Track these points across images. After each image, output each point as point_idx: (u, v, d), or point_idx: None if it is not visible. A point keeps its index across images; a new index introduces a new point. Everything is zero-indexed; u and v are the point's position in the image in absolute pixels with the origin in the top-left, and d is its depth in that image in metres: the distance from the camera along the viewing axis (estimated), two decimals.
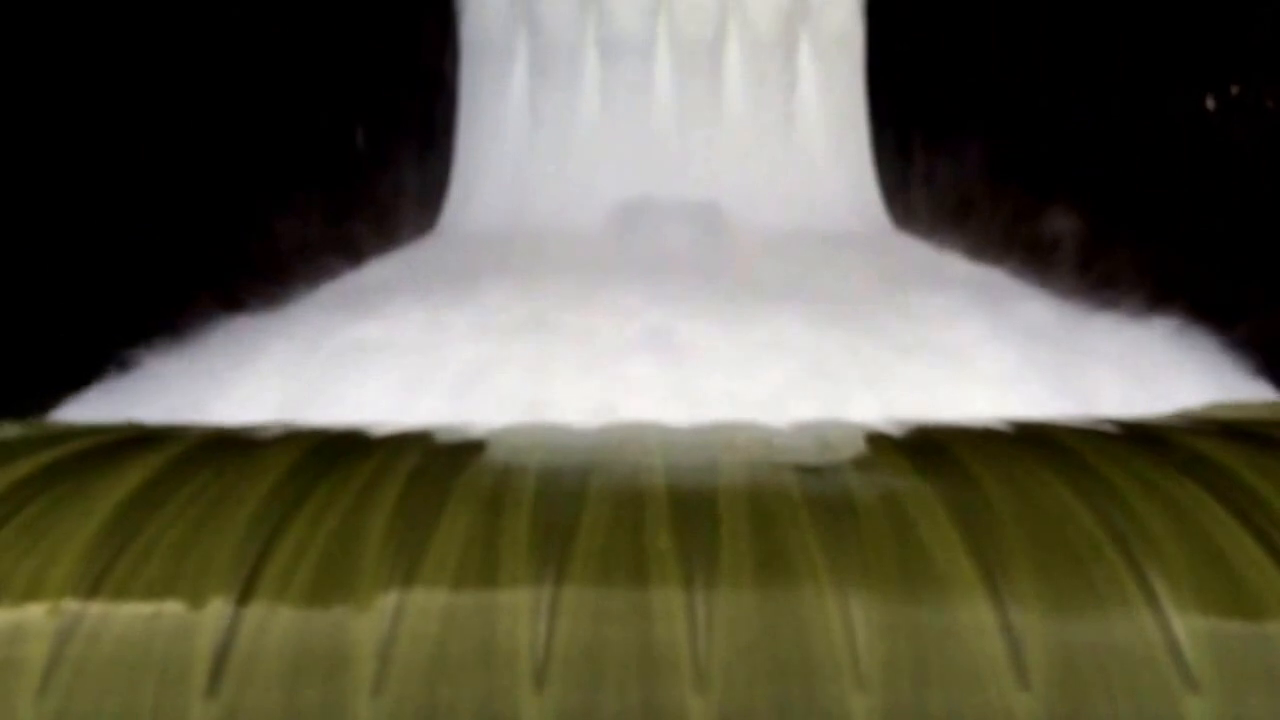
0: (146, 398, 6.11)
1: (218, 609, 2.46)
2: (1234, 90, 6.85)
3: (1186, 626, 2.41)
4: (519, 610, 2.46)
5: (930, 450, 3.18)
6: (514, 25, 17.30)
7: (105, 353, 6.48)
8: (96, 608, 2.48)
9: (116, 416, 4.78)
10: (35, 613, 2.47)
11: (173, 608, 2.48)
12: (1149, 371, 6.47)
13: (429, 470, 2.96)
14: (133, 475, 2.89)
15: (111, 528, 2.66)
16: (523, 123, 17.08)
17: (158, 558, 2.57)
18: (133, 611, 2.47)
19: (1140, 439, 3.31)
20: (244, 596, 2.48)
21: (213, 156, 7.94)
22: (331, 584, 2.51)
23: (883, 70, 16.20)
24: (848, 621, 2.44)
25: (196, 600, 2.48)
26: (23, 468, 2.98)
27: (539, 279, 9.59)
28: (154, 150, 7.10)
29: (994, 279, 10.30)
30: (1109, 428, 3.45)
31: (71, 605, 2.48)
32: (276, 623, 2.44)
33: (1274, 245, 6.53)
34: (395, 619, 2.45)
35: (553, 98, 17.06)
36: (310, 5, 13.57)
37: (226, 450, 3.15)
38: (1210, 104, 7.12)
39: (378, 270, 11.35)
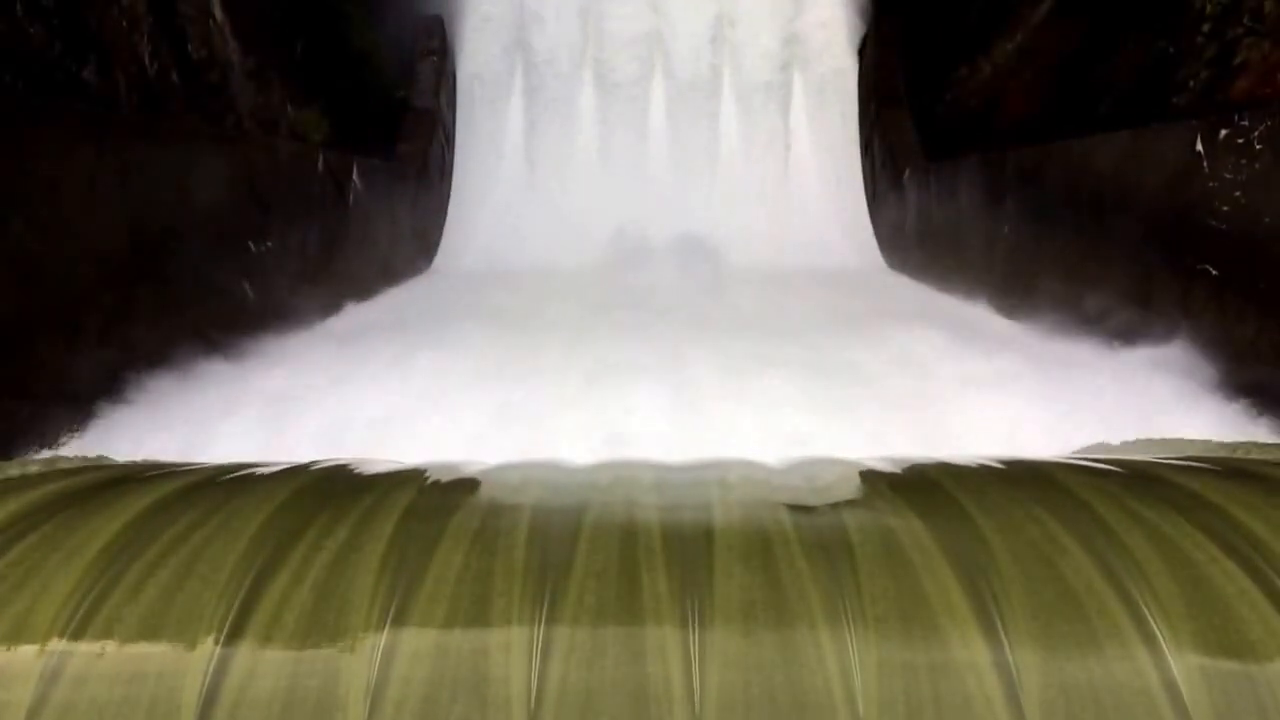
0: (136, 434, 6.12)
1: (206, 650, 2.43)
2: (1223, 132, 6.92)
3: (1183, 665, 2.39)
4: (512, 650, 2.44)
5: (924, 488, 3.17)
6: (510, 68, 17.51)
7: (96, 390, 6.51)
8: (84, 649, 2.44)
9: (108, 453, 4.79)
10: (22, 654, 2.43)
11: (161, 649, 2.44)
12: (1139, 407, 6.49)
13: (422, 508, 2.94)
14: (121, 515, 2.86)
15: (99, 568, 2.63)
16: (518, 163, 17.26)
17: (145, 598, 2.54)
18: (120, 653, 2.44)
19: (1134, 476, 3.30)
20: (233, 637, 2.45)
21: (203, 199, 8.00)
22: (321, 624, 2.49)
23: (876, 111, 16.37)
24: (844, 660, 2.42)
25: (185, 641, 2.45)
26: (11, 507, 2.95)
27: (530, 318, 9.65)
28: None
29: (985, 318, 10.36)
30: (1102, 465, 3.45)
31: (58, 647, 2.45)
32: (266, 664, 2.41)
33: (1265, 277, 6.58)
34: (386, 660, 2.42)
35: (548, 139, 17.24)
36: (308, 49, 13.78)
37: (215, 490, 3.13)
38: (1199, 146, 7.18)
39: (376, 307, 11.43)
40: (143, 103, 8.58)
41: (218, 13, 10.93)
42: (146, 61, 8.81)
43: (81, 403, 6.39)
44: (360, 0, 15.30)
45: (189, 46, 9.86)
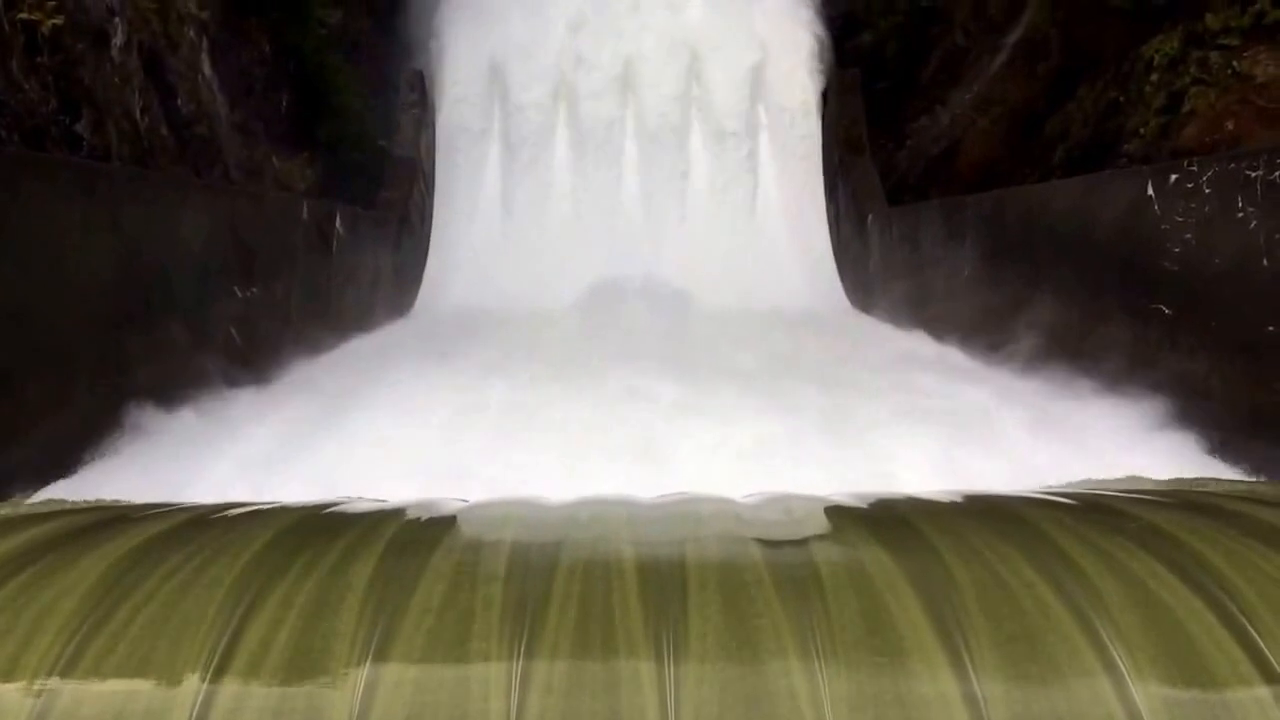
0: (124, 476, 6.11)
1: (192, 686, 2.46)
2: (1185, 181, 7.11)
3: (1145, 695, 2.45)
4: (491, 683, 2.48)
5: (891, 522, 3.24)
6: (488, 116, 17.73)
7: (85, 433, 6.52)
8: (72, 686, 2.48)
9: (93, 496, 4.79)
10: (11, 692, 2.46)
11: (148, 685, 2.48)
12: (1097, 443, 6.60)
13: (402, 545, 2.99)
14: (108, 555, 2.89)
15: (88, 607, 2.66)
16: (495, 209, 17.45)
17: (133, 636, 2.57)
18: (108, 689, 2.47)
19: (1095, 510, 3.39)
20: (218, 673, 2.49)
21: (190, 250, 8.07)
22: (305, 659, 2.52)
23: (839, 159, 16.62)
24: (815, 693, 2.47)
25: (171, 677, 2.48)
26: (1, 547, 2.97)
27: (507, 360, 9.70)
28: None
29: (946, 355, 10.50)
30: (1063, 499, 3.53)
31: (48, 684, 2.48)
32: (251, 700, 2.45)
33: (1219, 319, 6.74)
34: (368, 694, 2.46)
35: (524, 185, 17.45)
36: (293, 102, 13.94)
37: (201, 529, 3.16)
38: (1150, 191, 7.37)
39: (356, 349, 11.47)
40: (134, 155, 8.67)
41: (206, 69, 11.06)
42: (138, 115, 8.91)
43: (71, 445, 6.39)
44: (344, 55, 15.51)
45: (178, 101, 10.00)
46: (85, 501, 4.14)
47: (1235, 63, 8.41)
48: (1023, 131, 12.35)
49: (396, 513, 3.28)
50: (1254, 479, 6.19)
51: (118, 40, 8.86)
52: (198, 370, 7.94)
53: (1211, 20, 8.64)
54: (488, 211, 17.28)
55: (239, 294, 9.08)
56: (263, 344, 9.39)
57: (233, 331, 8.88)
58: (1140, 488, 4.00)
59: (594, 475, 5.61)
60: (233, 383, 8.29)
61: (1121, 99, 9.88)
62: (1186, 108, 8.72)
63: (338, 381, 9.03)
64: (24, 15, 7.32)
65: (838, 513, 3.39)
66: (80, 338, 6.63)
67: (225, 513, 3.35)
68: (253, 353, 9.09)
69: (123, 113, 8.64)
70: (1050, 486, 4.45)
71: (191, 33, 10.76)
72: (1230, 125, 8.30)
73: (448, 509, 3.38)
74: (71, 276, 6.55)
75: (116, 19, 8.86)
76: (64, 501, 4.04)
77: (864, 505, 3.45)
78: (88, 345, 6.71)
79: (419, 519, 3.26)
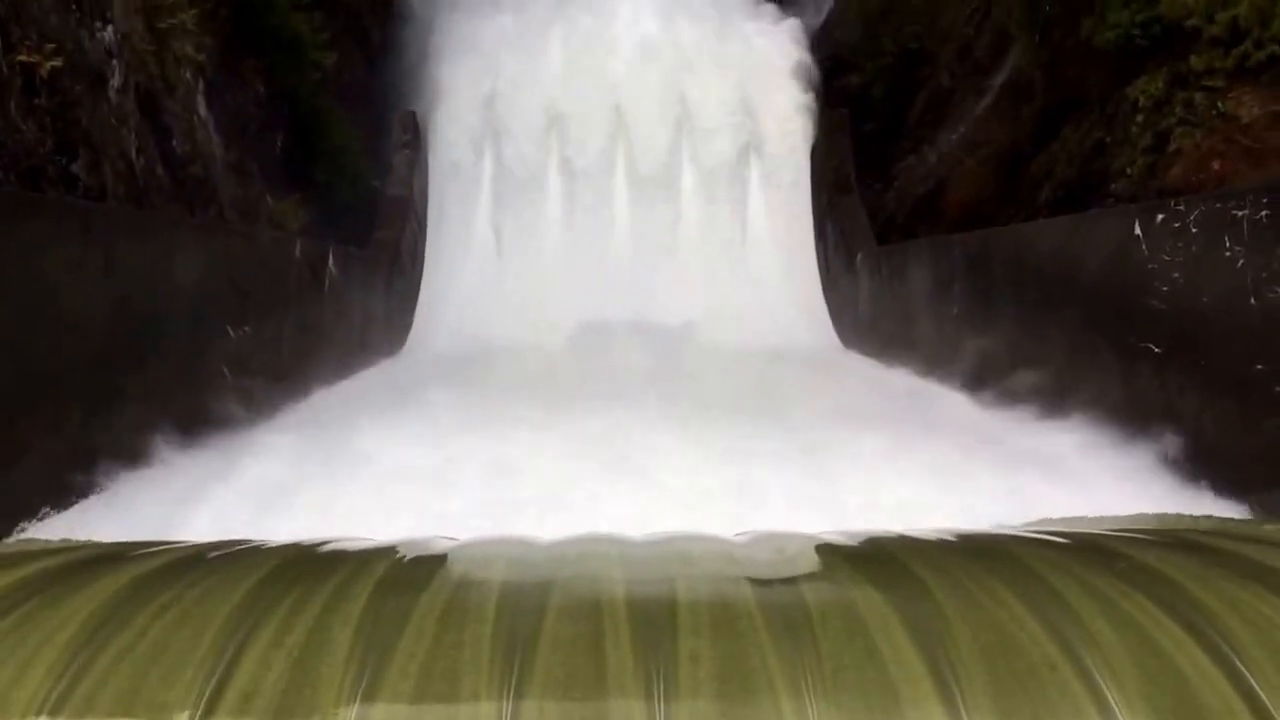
0: (115, 514, 6.10)
1: None
2: (1160, 215, 7.17)
3: None
4: None
5: (883, 561, 3.24)
6: (480, 157, 17.86)
7: (76, 472, 6.52)
8: None
9: (82, 533, 4.77)
10: None
11: None
12: (1088, 482, 6.61)
13: (392, 585, 2.98)
14: (98, 595, 2.88)
15: (76, 647, 2.65)
16: (487, 249, 17.54)
17: (122, 676, 2.56)
18: None
19: (1087, 549, 3.39)
20: (208, 713, 2.47)
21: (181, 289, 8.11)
22: (294, 700, 2.51)
23: (828, 198, 16.74)
24: None
25: (161, 717, 2.46)
26: None
27: (495, 401, 9.71)
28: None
29: (936, 393, 10.53)
30: (1055, 538, 3.53)
31: None
32: None
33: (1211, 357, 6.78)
34: None
35: (516, 225, 17.56)
36: (288, 143, 14.07)
37: (190, 569, 3.15)
38: (1137, 230, 7.43)
39: (347, 388, 11.48)
40: (129, 194, 8.71)
41: (202, 110, 11.15)
42: (133, 155, 8.97)
43: (62, 484, 6.38)
44: (338, 96, 15.66)
45: (174, 141, 10.07)
46: (74, 540, 4.12)
47: (1220, 103, 8.51)
48: (1009, 171, 12.46)
49: (386, 551, 3.28)
50: (1246, 518, 6.20)
51: (115, 82, 8.92)
52: (189, 409, 7.94)
53: (1196, 62, 8.74)
54: (480, 251, 17.38)
55: (231, 333, 9.09)
56: (254, 382, 9.38)
57: (225, 370, 8.88)
58: (1132, 526, 4.00)
59: (583, 514, 5.61)
60: (224, 421, 8.29)
61: (1107, 139, 9.98)
62: (1172, 148, 8.81)
63: (328, 421, 9.02)
64: (22, 58, 7.37)
65: (829, 551, 3.39)
66: (72, 375, 6.63)
67: (215, 551, 3.34)
68: (244, 391, 9.09)
69: (119, 153, 8.69)
70: (1042, 525, 4.45)
71: (188, 74, 10.85)
72: (1216, 165, 8.38)
73: (437, 548, 3.37)
74: (65, 314, 6.56)
75: (114, 61, 8.93)
76: (53, 540, 4.02)
77: (855, 543, 3.45)
78: (79, 383, 6.71)
79: (409, 558, 3.26)
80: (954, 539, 3.50)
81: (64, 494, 6.38)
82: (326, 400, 10.68)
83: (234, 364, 9.04)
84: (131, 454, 6.96)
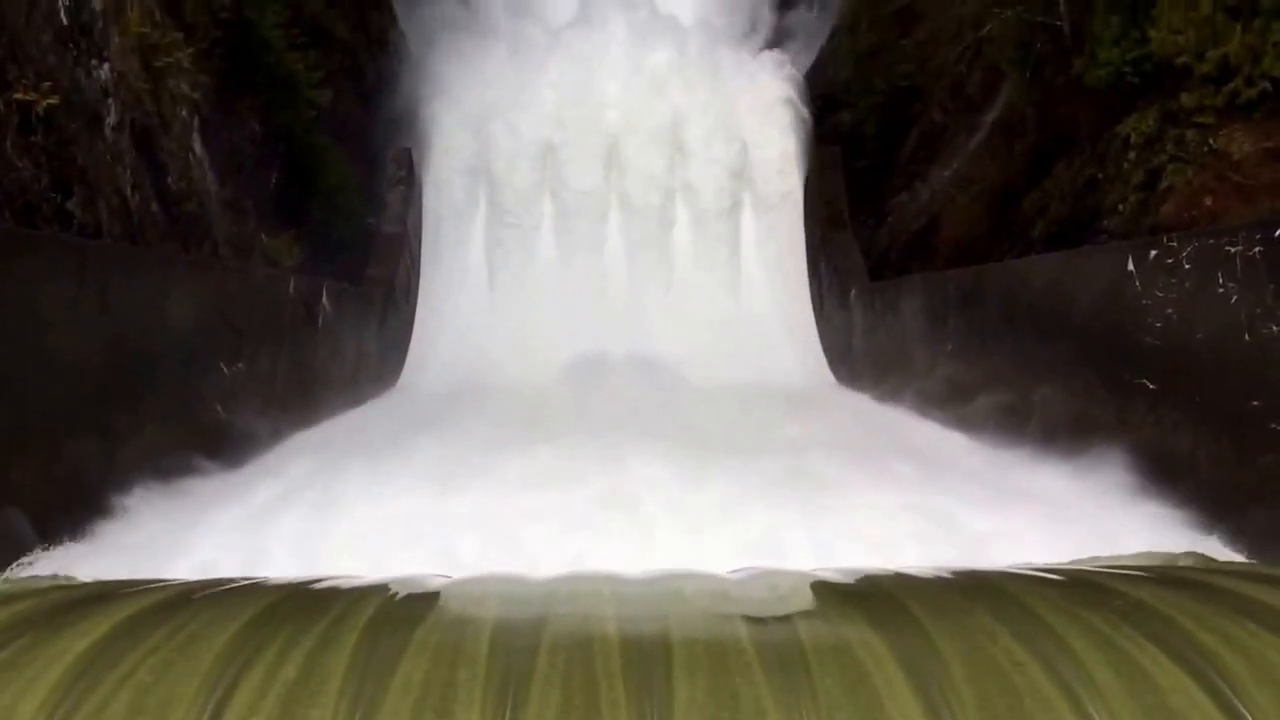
0: (107, 552, 6.07)
1: None
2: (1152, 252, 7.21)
3: None
4: None
5: (878, 599, 3.23)
6: (474, 194, 17.94)
7: (69, 509, 6.49)
8: None
9: (74, 572, 4.74)
10: None
11: None
12: (1083, 520, 6.59)
13: (385, 622, 2.96)
14: (88, 634, 2.87)
15: (65, 686, 2.63)
16: (481, 285, 17.58)
17: (112, 715, 2.54)
18: None
19: (1083, 587, 3.38)
20: None
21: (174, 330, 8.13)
22: None
23: (821, 234, 16.81)
24: None
25: None
26: None
27: (489, 436, 9.68)
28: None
29: (934, 432, 10.53)
30: (1051, 575, 3.52)
31: None
32: None
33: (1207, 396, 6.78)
34: None
35: (510, 261, 17.61)
36: (282, 180, 14.13)
37: (181, 608, 3.13)
38: (1130, 266, 7.47)
39: (339, 425, 11.45)
40: (124, 231, 8.74)
41: (197, 147, 11.21)
42: (129, 193, 9.00)
43: (54, 521, 6.35)
44: (332, 133, 15.74)
45: (169, 179, 10.11)
46: (66, 578, 4.10)
47: (1211, 140, 8.56)
48: (1002, 208, 12.51)
49: (378, 589, 3.26)
50: (1241, 555, 6.19)
51: (111, 120, 8.97)
52: (182, 447, 7.91)
53: (1187, 99, 8.80)
54: (473, 287, 17.42)
55: (225, 370, 9.08)
56: (248, 419, 9.36)
57: (218, 408, 8.87)
58: (1127, 564, 3.99)
59: (577, 551, 5.58)
60: (217, 459, 8.26)
61: (1099, 176, 10.03)
62: (1164, 184, 8.85)
63: (321, 458, 8.97)
64: (19, 96, 7.41)
65: (824, 589, 3.38)
66: (65, 414, 6.61)
67: (205, 590, 3.32)
68: (237, 428, 9.07)
69: (114, 190, 8.72)
70: (1037, 563, 4.44)
71: (183, 112, 10.90)
72: (1209, 201, 8.42)
73: (430, 585, 3.36)
74: (58, 352, 6.55)
75: (110, 99, 8.98)
76: (44, 578, 4.00)
77: (850, 581, 3.44)
78: (72, 421, 6.69)
79: (401, 595, 3.24)
80: (950, 576, 3.49)
81: (54, 533, 6.33)
82: (319, 437, 10.65)
83: (227, 401, 9.02)
84: (118, 496, 6.91)
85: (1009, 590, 3.30)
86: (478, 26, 20.67)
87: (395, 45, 19.95)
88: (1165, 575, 3.60)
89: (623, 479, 7.46)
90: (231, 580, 3.50)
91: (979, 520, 6.61)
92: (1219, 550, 6.32)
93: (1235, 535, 6.40)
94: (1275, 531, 6.08)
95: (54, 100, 7.66)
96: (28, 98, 7.47)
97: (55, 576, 4.39)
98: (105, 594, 3.31)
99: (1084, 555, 5.06)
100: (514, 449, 8.68)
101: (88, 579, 3.95)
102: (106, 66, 9.02)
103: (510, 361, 15.00)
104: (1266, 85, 8.24)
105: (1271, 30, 8.19)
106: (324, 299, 12.17)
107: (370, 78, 18.47)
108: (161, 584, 3.50)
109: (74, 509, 6.54)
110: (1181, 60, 8.87)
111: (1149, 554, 5.28)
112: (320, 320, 12.05)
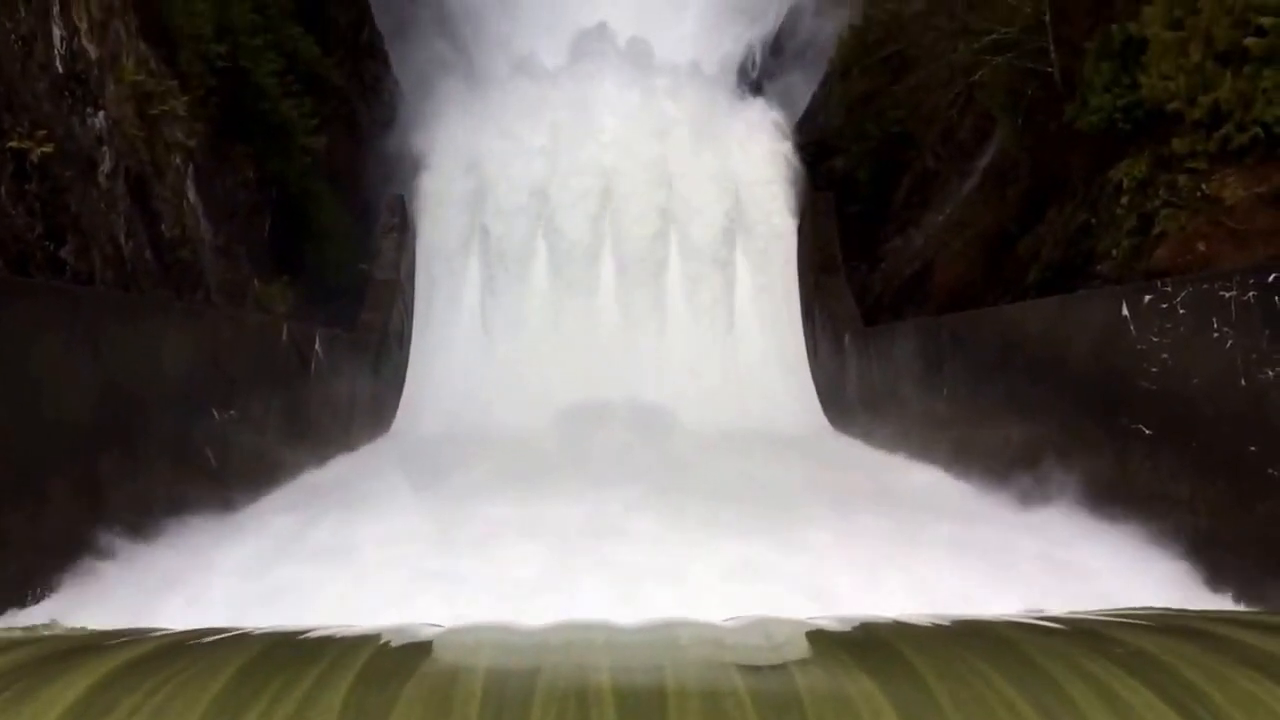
0: (97, 598, 6.02)
1: None
2: (1147, 298, 7.22)
3: None
4: None
5: (875, 647, 3.19)
6: (467, 240, 17.98)
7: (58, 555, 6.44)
8: None
9: (63, 621, 4.68)
10: None
11: None
12: (1080, 568, 6.54)
13: (377, 672, 2.92)
14: (77, 684, 2.82)
15: None
16: (474, 330, 17.59)
17: None
18: None
19: (1082, 635, 3.34)
20: None
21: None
22: None
23: (815, 280, 16.86)
24: None
25: None
26: None
27: (481, 485, 9.62)
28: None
29: (927, 478, 10.49)
30: (1050, 624, 3.49)
31: None
32: None
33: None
34: None
35: (503, 307, 17.62)
36: (276, 226, 14.18)
37: (171, 657, 3.09)
38: (1125, 311, 7.48)
39: (331, 472, 11.40)
40: (117, 279, 8.74)
41: (191, 195, 11.25)
42: (122, 240, 9.03)
43: (44, 568, 6.30)
44: (326, 180, 15.81)
45: (163, 226, 10.14)
46: (54, 628, 4.05)
47: (1204, 185, 8.60)
48: (995, 253, 12.55)
49: (369, 638, 3.21)
50: (1240, 603, 6.14)
51: (105, 167, 9.00)
52: (172, 494, 7.86)
53: (1178, 144, 8.85)
54: (467, 333, 17.42)
55: (217, 416, 9.05)
56: (239, 467, 9.32)
57: (209, 454, 8.82)
58: (1125, 612, 3.95)
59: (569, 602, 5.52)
60: (208, 505, 8.20)
61: (1092, 221, 10.07)
62: (1157, 229, 8.88)
63: (314, 506, 8.92)
64: (14, 144, 7.44)
65: (820, 637, 3.34)
66: (56, 461, 6.58)
67: (195, 640, 3.28)
68: (228, 476, 9.02)
69: (108, 237, 8.73)
70: (1038, 611, 4.40)
71: (178, 160, 10.94)
72: (1202, 246, 8.44)
73: (422, 634, 3.31)
74: (50, 399, 6.52)
75: (105, 147, 9.01)
76: (35, 628, 3.93)
77: (847, 629, 3.40)
78: (63, 469, 6.66)
79: (393, 644, 3.19)
80: (948, 624, 3.45)
81: (45, 581, 6.28)
82: (312, 482, 10.60)
83: (219, 448, 8.98)
84: (107, 544, 6.85)
85: (1008, 638, 3.26)
86: (472, 72, 20.88)
87: (389, 91, 20.14)
88: (1166, 623, 3.56)
89: (610, 534, 7.38)
90: (221, 629, 3.46)
91: (971, 572, 6.55)
92: (1218, 598, 6.28)
93: (1234, 583, 6.36)
94: (1276, 578, 6.04)
95: (48, 148, 7.68)
96: (23, 145, 7.50)
97: (46, 625, 4.33)
98: (95, 644, 3.27)
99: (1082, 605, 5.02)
100: (506, 499, 8.62)
101: (78, 628, 3.90)
102: (101, 114, 9.06)
103: (504, 406, 14.98)
104: (1258, 131, 8.29)
105: (1262, 76, 8.25)
106: (317, 345, 12.17)
107: (364, 124, 18.61)
108: (151, 633, 3.46)
109: (64, 557, 6.49)
110: (1173, 106, 8.93)
111: (1151, 609, 5.23)
112: (313, 366, 12.04)
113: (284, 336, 11.22)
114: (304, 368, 11.77)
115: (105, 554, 6.77)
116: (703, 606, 4.29)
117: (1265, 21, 8.30)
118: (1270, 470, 6.10)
